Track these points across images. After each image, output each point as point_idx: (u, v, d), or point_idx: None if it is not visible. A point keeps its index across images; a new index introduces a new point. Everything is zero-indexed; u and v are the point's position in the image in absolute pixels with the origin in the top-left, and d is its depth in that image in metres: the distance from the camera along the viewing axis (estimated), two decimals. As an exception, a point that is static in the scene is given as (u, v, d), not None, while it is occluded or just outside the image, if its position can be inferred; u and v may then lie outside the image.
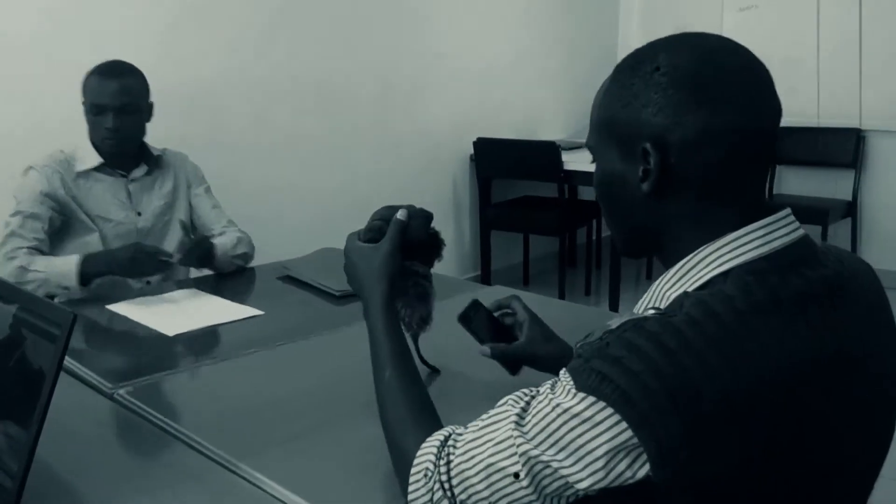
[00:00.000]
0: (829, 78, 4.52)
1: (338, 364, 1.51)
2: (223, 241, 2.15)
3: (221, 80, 3.27)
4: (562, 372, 0.81)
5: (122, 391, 1.36)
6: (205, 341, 1.69)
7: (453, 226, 4.42)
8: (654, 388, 0.72)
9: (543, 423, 0.79)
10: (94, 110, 2.04)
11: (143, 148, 2.18)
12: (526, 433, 0.80)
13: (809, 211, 4.30)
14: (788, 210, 0.84)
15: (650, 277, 4.80)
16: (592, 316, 2.24)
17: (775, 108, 0.84)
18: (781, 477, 0.76)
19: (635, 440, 0.73)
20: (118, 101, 2.02)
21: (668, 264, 0.86)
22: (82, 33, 2.81)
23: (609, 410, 0.74)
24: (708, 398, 0.72)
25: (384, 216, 1.19)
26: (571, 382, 0.78)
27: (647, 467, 0.74)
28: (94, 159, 2.09)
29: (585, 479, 0.77)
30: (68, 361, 1.46)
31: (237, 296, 1.93)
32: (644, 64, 0.83)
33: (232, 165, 3.26)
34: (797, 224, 0.84)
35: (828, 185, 4.59)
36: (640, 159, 0.83)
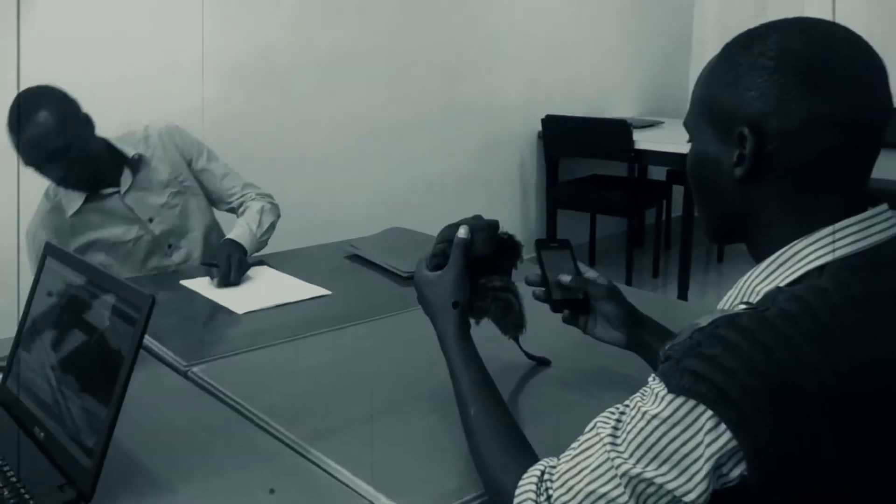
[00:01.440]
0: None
1: (405, 347, 1.51)
2: (245, 230, 2.01)
3: (287, 53, 3.28)
4: (650, 378, 0.78)
5: (195, 369, 1.39)
6: (274, 320, 1.71)
7: (519, 204, 4.38)
8: (752, 386, 0.70)
9: (640, 438, 0.76)
10: (36, 170, 1.87)
11: (115, 155, 2.00)
12: (622, 452, 0.77)
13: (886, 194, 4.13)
14: (886, 205, 0.81)
15: (721, 261, 4.68)
16: (659, 304, 2.19)
17: (886, 102, 0.81)
18: (876, 475, 0.74)
19: (734, 443, 0.71)
20: (49, 148, 1.81)
21: (757, 254, 0.84)
22: (141, 8, 2.82)
23: (706, 412, 0.72)
24: (806, 394, 0.70)
25: (446, 237, 1.15)
26: (663, 386, 0.75)
27: (742, 467, 0.72)
28: (78, 198, 1.98)
29: (693, 491, 0.74)
30: (145, 338, 1.50)
31: (304, 274, 1.94)
32: (754, 44, 0.81)
33: (298, 139, 3.29)
34: (894, 220, 0.81)
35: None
36: (737, 143, 0.81)
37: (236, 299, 1.77)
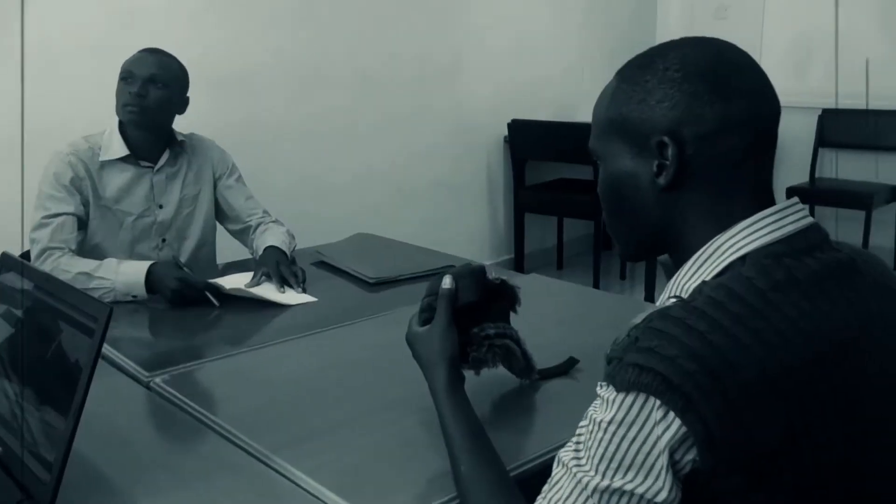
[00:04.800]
0: (874, 59, 4.40)
1: (373, 353, 1.50)
2: (283, 240, 2.06)
3: (253, 59, 3.26)
4: (598, 387, 0.79)
5: (158, 380, 1.37)
6: (238, 328, 1.70)
7: (487, 208, 4.39)
8: (691, 370, 0.72)
9: (601, 449, 0.76)
10: (123, 76, 1.98)
11: (170, 136, 2.10)
12: (588, 470, 0.77)
13: (853, 195, 4.20)
14: (797, 198, 0.87)
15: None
16: (627, 305, 2.21)
17: (777, 103, 0.87)
18: (824, 453, 0.76)
19: (684, 428, 0.72)
20: (149, 70, 1.97)
21: (683, 258, 0.87)
22: (113, 17, 2.80)
23: (654, 402, 0.73)
24: (745, 372, 0.73)
25: (432, 290, 1.14)
26: (610, 388, 0.77)
27: (693, 452, 0.73)
28: (121, 149, 2.01)
29: (663, 489, 0.74)
30: (105, 348, 1.48)
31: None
32: (656, 62, 0.86)
33: (267, 149, 3.27)
34: (807, 212, 0.86)
35: (873, 168, 4.47)
36: (656, 154, 0.85)
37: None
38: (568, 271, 4.54)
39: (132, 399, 1.35)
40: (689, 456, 0.73)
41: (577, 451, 0.80)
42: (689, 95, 0.83)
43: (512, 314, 1.24)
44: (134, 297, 1.81)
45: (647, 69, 0.86)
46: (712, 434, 0.72)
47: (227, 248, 2.29)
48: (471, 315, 1.14)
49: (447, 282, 1.13)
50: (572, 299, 1.97)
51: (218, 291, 1.79)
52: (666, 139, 0.83)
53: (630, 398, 0.74)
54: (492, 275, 1.20)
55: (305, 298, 1.84)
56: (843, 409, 0.77)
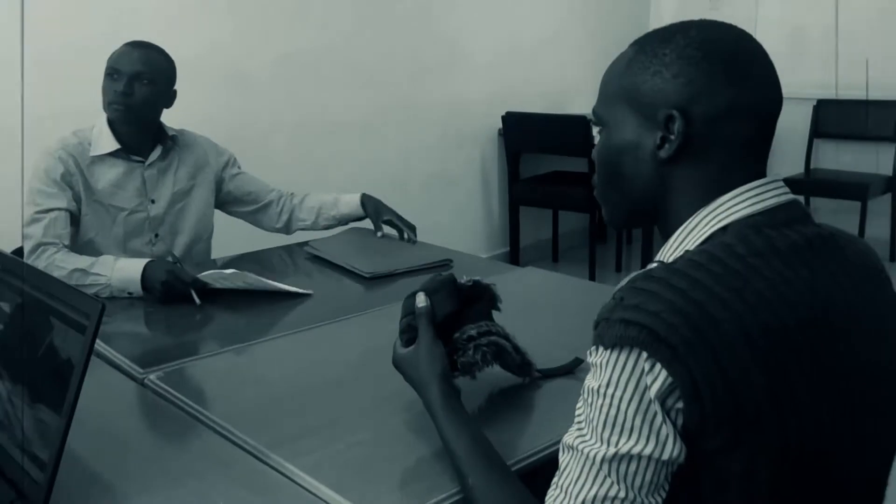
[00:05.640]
0: (873, 49, 4.39)
1: (369, 347, 1.49)
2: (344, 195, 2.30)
3: (246, 53, 3.24)
4: (587, 355, 0.81)
5: (152, 376, 1.36)
6: (235, 325, 1.68)
7: (482, 201, 4.38)
8: (676, 323, 0.74)
9: (602, 416, 0.77)
10: (110, 73, 1.96)
11: (159, 130, 2.08)
12: (593, 442, 0.78)
13: (848, 186, 4.21)
14: (778, 174, 0.89)
15: (682, 253, 4.72)
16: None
17: (781, 96, 0.89)
18: (804, 417, 0.78)
19: (671, 379, 0.74)
20: (135, 67, 1.94)
21: (670, 231, 0.89)
22: (101, 12, 2.78)
23: (641, 354, 0.75)
24: (726, 326, 0.74)
25: (408, 309, 1.14)
26: (599, 350, 0.78)
27: (680, 403, 0.74)
28: (110, 143, 2.00)
29: (667, 443, 0.75)
30: (99, 345, 1.46)
31: (265, 275, 1.92)
32: (677, 36, 0.86)
33: (258, 140, 3.24)
34: (787, 189, 0.88)
35: (868, 158, 4.47)
36: (661, 126, 0.86)
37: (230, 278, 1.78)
38: (563, 264, 4.54)
39: (126, 396, 1.34)
40: (678, 405, 0.75)
41: (579, 428, 0.81)
42: (706, 75, 0.84)
43: (496, 313, 1.22)
44: (129, 293, 1.80)
45: (668, 43, 0.86)
46: (698, 386, 0.73)
47: (226, 244, 2.27)
48: (451, 324, 1.14)
49: (421, 299, 1.13)
50: (569, 292, 1.96)
51: (205, 288, 1.77)
52: (675, 113, 0.84)
53: (619, 354, 0.76)
54: (462, 279, 1.18)
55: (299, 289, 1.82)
56: (824, 377, 0.79)
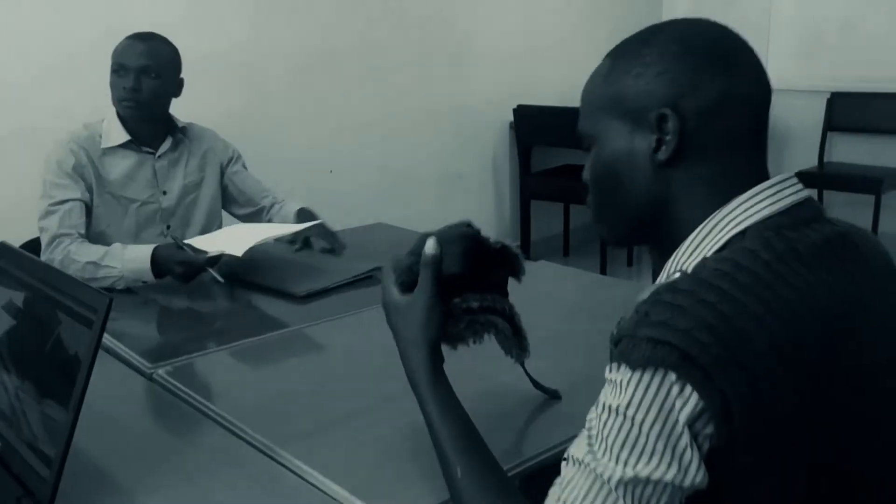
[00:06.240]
0: (884, 42, 4.34)
1: (380, 344, 1.46)
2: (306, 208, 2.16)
3: (259, 50, 3.23)
4: (606, 372, 0.76)
5: (161, 371, 1.35)
6: (245, 318, 1.67)
7: (493, 195, 4.35)
8: (707, 342, 0.70)
9: (620, 437, 0.72)
10: (115, 69, 1.95)
11: (169, 121, 2.09)
12: (607, 462, 0.73)
13: (862, 180, 4.15)
14: (792, 173, 0.85)
15: (694, 248, 4.69)
16: (634, 292, 2.17)
17: (769, 86, 0.86)
18: (837, 428, 0.75)
19: (702, 403, 0.70)
20: (141, 61, 1.93)
21: (681, 235, 0.84)
22: (113, 10, 2.77)
23: (670, 376, 0.70)
24: (758, 342, 0.71)
25: (417, 249, 0.98)
26: (623, 368, 0.73)
27: (710, 427, 0.70)
28: (121, 135, 2.00)
29: (690, 468, 0.71)
30: (107, 339, 1.45)
31: (274, 274, 1.90)
32: (655, 36, 0.85)
33: (270, 138, 3.24)
34: (802, 186, 0.84)
35: (883, 152, 4.42)
36: (654, 128, 0.83)
37: (232, 244, 1.77)
38: (574, 258, 4.51)
39: (135, 391, 1.32)
40: (708, 430, 0.71)
41: (590, 444, 0.75)
42: (691, 68, 0.81)
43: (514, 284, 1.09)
44: (144, 282, 1.80)
45: (646, 44, 0.85)
46: (730, 406, 0.69)
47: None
48: (459, 283, 0.99)
49: (431, 246, 0.97)
50: (581, 286, 1.94)
51: (219, 259, 1.78)
52: (667, 111, 0.81)
53: (647, 376, 0.71)
54: (491, 239, 1.04)
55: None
56: (853, 385, 0.76)
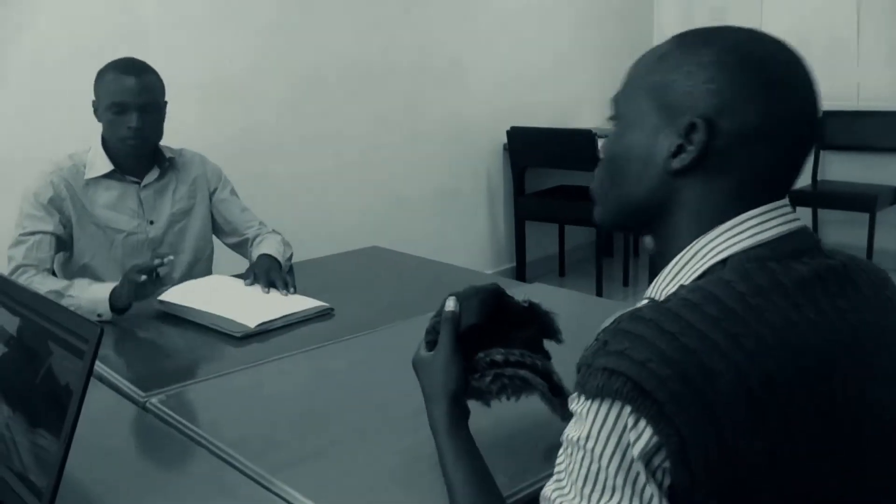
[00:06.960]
0: (875, 58, 4.38)
1: (375, 369, 1.47)
2: (276, 249, 2.05)
3: (250, 73, 3.24)
4: (569, 402, 0.75)
5: (154, 400, 1.34)
6: (237, 347, 1.66)
7: (487, 216, 4.36)
8: (664, 375, 0.66)
9: (582, 471, 0.71)
10: (114, 109, 1.91)
11: (157, 151, 2.05)
12: (572, 497, 0.72)
13: (856, 197, 4.17)
14: (786, 200, 0.81)
15: (689, 267, 4.69)
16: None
17: (817, 116, 0.81)
18: (806, 476, 0.70)
19: (656, 438, 0.67)
20: (141, 99, 1.90)
21: (670, 252, 0.81)
22: (106, 28, 2.78)
23: (625, 408, 0.68)
24: (721, 380, 0.67)
25: (440, 310, 1.03)
26: (581, 399, 0.71)
27: (668, 464, 0.67)
28: (105, 165, 1.97)
29: (651, 502, 0.69)
30: (100, 367, 1.45)
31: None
32: (715, 40, 0.79)
33: (262, 160, 3.24)
34: (795, 215, 0.80)
35: (876, 169, 4.44)
36: (682, 134, 0.78)
37: (243, 312, 1.71)
38: (570, 278, 4.51)
39: (127, 419, 1.31)
40: (666, 465, 0.68)
41: (558, 480, 0.74)
42: (739, 87, 0.76)
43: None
44: (99, 315, 1.76)
45: (709, 43, 0.79)
46: (687, 448, 0.66)
47: (227, 261, 2.26)
48: (483, 338, 1.03)
49: (450, 304, 1.03)
50: (576, 309, 1.93)
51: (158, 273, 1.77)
52: (700, 122, 0.77)
53: (603, 407, 0.69)
54: (521, 297, 1.08)
55: (316, 303, 1.79)
56: (830, 430, 0.72)
